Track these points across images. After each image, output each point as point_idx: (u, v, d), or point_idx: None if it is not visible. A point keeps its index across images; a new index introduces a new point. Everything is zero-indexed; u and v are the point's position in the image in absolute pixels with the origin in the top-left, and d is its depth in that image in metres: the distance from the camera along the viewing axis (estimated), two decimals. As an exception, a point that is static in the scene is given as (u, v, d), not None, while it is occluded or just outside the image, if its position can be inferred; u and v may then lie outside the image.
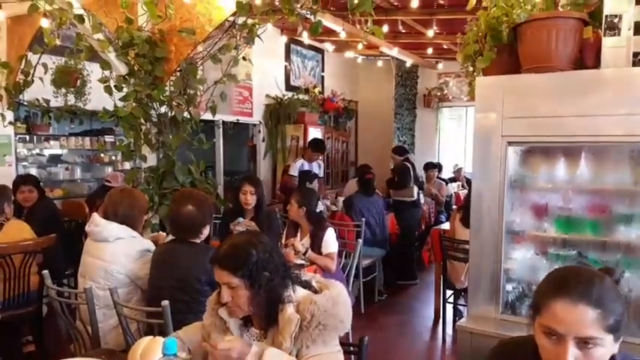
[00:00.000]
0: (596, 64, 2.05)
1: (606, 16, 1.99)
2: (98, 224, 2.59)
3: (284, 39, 7.19)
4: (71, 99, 4.58)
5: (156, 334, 2.13)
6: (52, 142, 5.38)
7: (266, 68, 6.78)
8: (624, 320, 1.18)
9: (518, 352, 1.30)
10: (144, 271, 2.58)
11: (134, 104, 3.43)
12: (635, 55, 1.97)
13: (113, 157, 5.96)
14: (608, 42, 2.00)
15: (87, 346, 2.54)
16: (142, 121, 3.52)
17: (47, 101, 4.43)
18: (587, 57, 2.13)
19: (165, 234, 3.08)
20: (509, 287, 2.30)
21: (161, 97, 3.47)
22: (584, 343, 1.14)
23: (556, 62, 2.08)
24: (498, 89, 2.19)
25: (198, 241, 2.51)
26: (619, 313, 1.16)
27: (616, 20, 1.97)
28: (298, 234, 3.57)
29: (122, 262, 2.55)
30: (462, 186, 7.77)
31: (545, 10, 2.22)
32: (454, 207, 6.62)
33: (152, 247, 2.70)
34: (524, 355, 1.25)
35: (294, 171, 5.72)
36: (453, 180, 8.16)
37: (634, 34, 1.96)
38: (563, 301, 1.16)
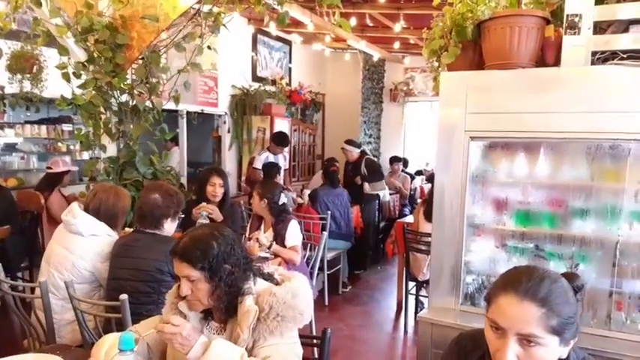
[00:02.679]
0: (557, 62, 2.10)
1: (567, 15, 2.03)
2: (76, 216, 2.52)
3: (251, 29, 7.11)
4: (27, 85, 4.38)
5: (114, 328, 2.09)
6: (6, 130, 5.22)
7: (232, 58, 6.68)
8: (574, 325, 1.19)
9: (474, 346, 1.32)
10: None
11: (93, 92, 3.32)
12: (593, 54, 2.03)
13: (71, 147, 5.79)
14: (568, 41, 2.04)
15: (41, 342, 2.46)
16: (102, 109, 3.42)
17: (2, 88, 4.24)
18: (548, 55, 2.18)
19: (130, 230, 3.00)
20: (469, 279, 2.34)
21: (122, 86, 3.37)
22: (525, 340, 1.15)
23: (518, 59, 2.11)
24: (462, 85, 2.21)
25: (159, 233, 2.47)
26: (566, 316, 1.16)
27: (576, 19, 2.01)
28: (262, 227, 3.55)
29: (91, 259, 2.50)
30: (427, 179, 7.89)
31: (508, 7, 2.26)
32: (418, 200, 6.73)
33: None
34: (480, 348, 1.27)
35: (258, 164, 5.67)
36: (418, 174, 8.29)
37: (593, 34, 2.01)
38: (510, 297, 1.18)
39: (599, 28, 2.07)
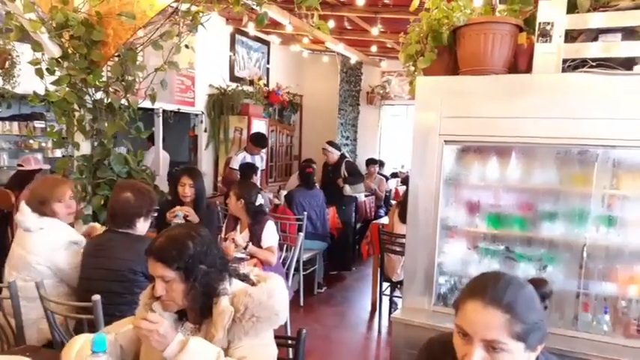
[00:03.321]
0: (529, 68, 2.15)
1: (539, 23, 2.09)
2: (23, 213, 2.50)
3: (229, 29, 7.07)
4: (-1, 81, 4.29)
5: (86, 329, 2.06)
6: (-24, 127, 5.06)
7: (210, 57, 6.64)
8: (539, 332, 1.20)
9: (445, 351, 1.33)
10: (68, 265, 2.48)
11: (67, 89, 3.25)
12: (564, 61, 2.09)
13: (43, 144, 5.66)
14: (540, 48, 2.10)
15: (10, 344, 2.41)
16: (76, 106, 3.34)
17: (-28, 83, 4.13)
18: (520, 62, 2.23)
19: (99, 225, 2.96)
20: (441, 280, 2.38)
21: (97, 83, 3.31)
22: (491, 346, 1.17)
23: (491, 65, 2.16)
24: (437, 89, 2.25)
25: (132, 232, 2.44)
26: (531, 322, 1.18)
27: (548, 27, 2.07)
28: (238, 227, 3.54)
29: (42, 254, 2.45)
30: (402, 182, 7.97)
31: (483, 14, 2.31)
32: (393, 202, 6.80)
33: (80, 239, 2.60)
34: (450, 353, 1.28)
35: (235, 164, 5.64)
36: (393, 176, 8.37)
37: (564, 42, 2.07)
38: (475, 303, 1.20)
39: (570, 36, 2.13)
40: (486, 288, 1.21)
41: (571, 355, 1.96)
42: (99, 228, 2.89)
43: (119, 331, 1.65)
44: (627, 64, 2.02)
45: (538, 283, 1.32)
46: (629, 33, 2.05)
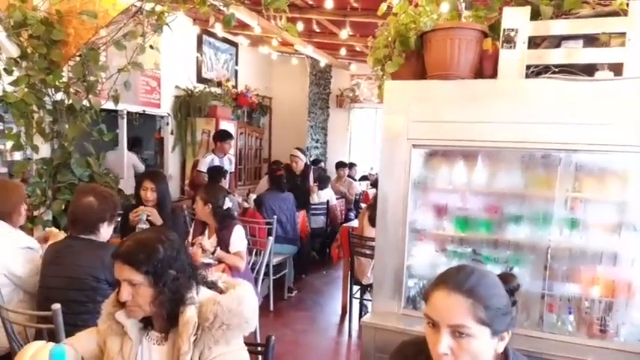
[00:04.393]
0: (495, 74, 2.18)
1: (504, 29, 2.12)
2: None
3: (196, 29, 6.97)
4: (-48, 80, 4.10)
5: (46, 339, 1.98)
6: None
7: (176, 58, 6.52)
8: (505, 317, 1.24)
9: (417, 351, 1.34)
10: (25, 271, 2.39)
11: (26, 90, 3.14)
12: (528, 67, 2.13)
13: (1, 147, 5.43)
14: (504, 54, 2.13)
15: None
16: (35, 108, 3.24)
17: None
18: (486, 67, 2.26)
19: (57, 230, 2.86)
20: (410, 283, 2.39)
21: (57, 83, 3.21)
22: (457, 332, 1.20)
23: (457, 70, 2.18)
24: (405, 94, 2.26)
25: (95, 238, 2.36)
26: (494, 307, 1.22)
27: (513, 34, 2.10)
28: (206, 232, 3.48)
29: None
30: (372, 185, 8.02)
31: (449, 20, 2.33)
32: (363, 205, 6.83)
33: (35, 244, 2.52)
34: (423, 352, 1.29)
35: (203, 167, 5.55)
36: (363, 179, 8.41)
37: (528, 48, 2.11)
38: (440, 291, 1.24)
39: (534, 42, 2.17)
40: (450, 277, 1.26)
41: (537, 355, 1.98)
42: (56, 233, 2.79)
43: (80, 343, 1.60)
44: (588, 70, 2.07)
45: (506, 279, 1.35)
46: (590, 40, 2.10)
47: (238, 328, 1.49)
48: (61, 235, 2.70)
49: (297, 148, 6.33)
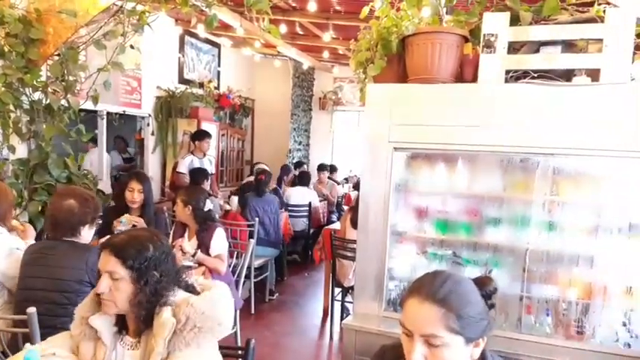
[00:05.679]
0: (475, 78, 2.21)
1: (484, 34, 2.14)
2: None
3: (178, 30, 6.92)
4: None
5: (21, 343, 1.94)
6: None
7: (158, 58, 6.46)
8: (478, 325, 1.22)
9: (397, 356, 1.33)
10: (13, 271, 2.34)
11: (3, 89, 3.08)
12: (507, 72, 2.15)
13: (-24, 147, 5.32)
14: (484, 59, 2.16)
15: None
16: (12, 107, 3.17)
17: None
18: (466, 71, 2.29)
19: (19, 223, 2.78)
20: (391, 285, 2.40)
21: (35, 83, 3.16)
22: (430, 341, 1.19)
23: (438, 74, 2.20)
24: (387, 97, 2.27)
25: (77, 240, 2.32)
26: (466, 315, 1.20)
27: (492, 39, 2.13)
28: (186, 234, 3.45)
29: None
30: (354, 187, 8.03)
31: (431, 24, 2.35)
32: (345, 207, 6.85)
33: (22, 245, 2.47)
34: (402, 358, 1.29)
35: (182, 168, 5.49)
36: (345, 181, 8.42)
37: (508, 53, 2.14)
38: (414, 300, 1.23)
39: (513, 48, 2.20)
40: (424, 285, 1.25)
41: (515, 357, 2.01)
42: (17, 225, 2.74)
43: (55, 346, 1.56)
44: (567, 75, 2.11)
45: (483, 282, 1.35)
46: (568, 46, 2.14)
47: (210, 331, 1.45)
48: (21, 227, 2.67)
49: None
